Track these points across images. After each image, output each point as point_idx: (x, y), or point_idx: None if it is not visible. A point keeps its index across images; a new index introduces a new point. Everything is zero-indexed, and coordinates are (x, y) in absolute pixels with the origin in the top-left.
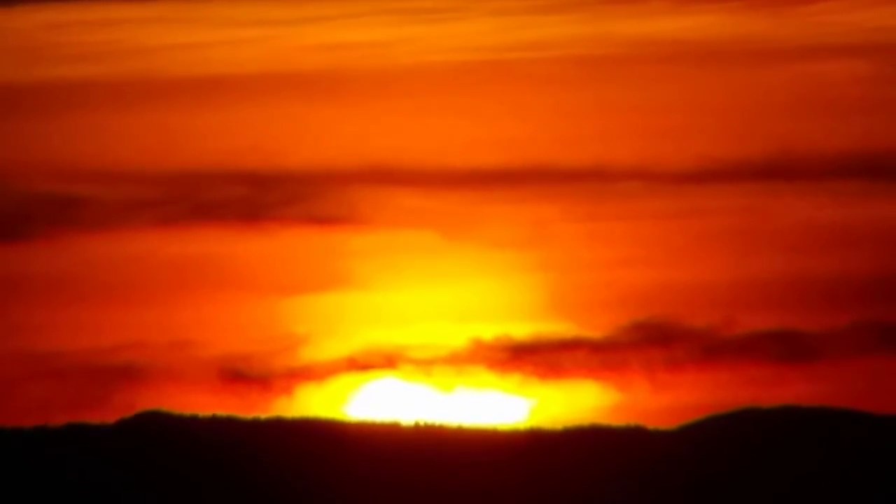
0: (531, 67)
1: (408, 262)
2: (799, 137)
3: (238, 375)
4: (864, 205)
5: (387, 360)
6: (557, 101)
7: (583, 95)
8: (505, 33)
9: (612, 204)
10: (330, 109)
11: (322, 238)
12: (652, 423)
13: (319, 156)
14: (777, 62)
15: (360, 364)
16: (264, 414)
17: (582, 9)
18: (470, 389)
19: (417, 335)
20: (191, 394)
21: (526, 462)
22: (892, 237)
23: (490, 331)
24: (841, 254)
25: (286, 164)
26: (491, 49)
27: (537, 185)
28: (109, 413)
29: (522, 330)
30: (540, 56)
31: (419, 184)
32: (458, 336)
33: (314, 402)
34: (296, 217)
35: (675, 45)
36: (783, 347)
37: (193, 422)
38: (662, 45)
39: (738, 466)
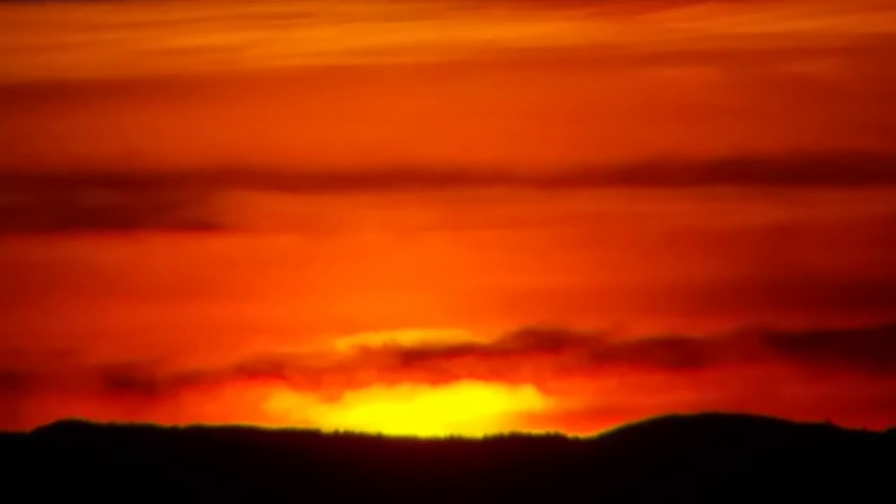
0: (380, 73)
1: (283, 270)
2: (658, 143)
3: (125, 383)
4: (733, 209)
5: (274, 369)
6: (407, 106)
7: (432, 101)
8: (353, 39)
9: (477, 210)
10: (177, 115)
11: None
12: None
13: (173, 161)
14: (625, 68)
15: (249, 372)
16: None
17: (428, 16)
18: (359, 397)
19: (304, 344)
20: (77, 402)
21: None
22: (766, 241)
23: (377, 338)
24: (719, 259)
25: (150, 168)
26: (339, 54)
27: (402, 190)
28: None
29: (410, 337)
30: (388, 62)
31: (280, 187)
32: (344, 344)
33: (202, 410)
34: (162, 223)
35: (521, 53)
36: (670, 353)
37: (111, 431)
38: (508, 52)
39: (651, 477)
